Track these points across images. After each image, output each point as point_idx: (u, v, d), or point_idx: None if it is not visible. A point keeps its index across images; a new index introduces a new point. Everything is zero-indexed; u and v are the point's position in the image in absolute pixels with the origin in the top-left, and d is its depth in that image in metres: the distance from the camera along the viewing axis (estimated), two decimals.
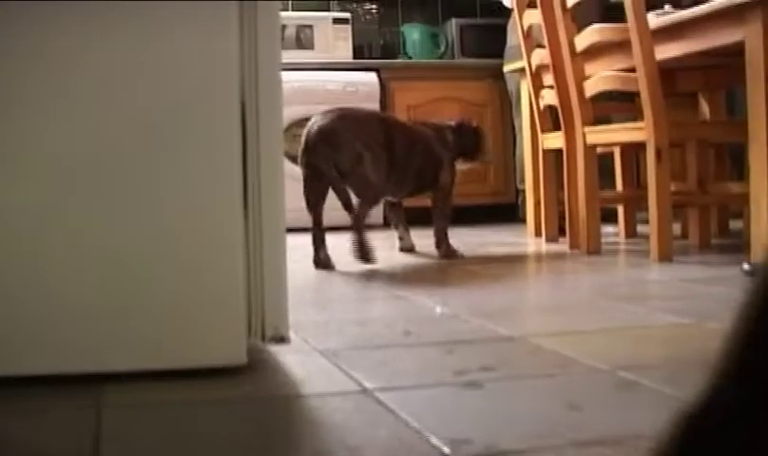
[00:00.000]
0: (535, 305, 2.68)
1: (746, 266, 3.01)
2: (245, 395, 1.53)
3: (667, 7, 3.84)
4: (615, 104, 4.63)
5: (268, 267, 1.65)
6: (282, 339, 1.67)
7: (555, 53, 4.06)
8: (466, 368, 1.71)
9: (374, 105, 5.84)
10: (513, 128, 5.94)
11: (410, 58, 6.44)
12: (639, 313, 2.33)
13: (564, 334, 2.05)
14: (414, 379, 1.64)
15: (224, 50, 1.63)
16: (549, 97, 4.31)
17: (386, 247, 4.32)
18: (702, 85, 4.26)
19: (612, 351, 1.85)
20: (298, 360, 1.76)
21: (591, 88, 3.81)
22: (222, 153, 1.62)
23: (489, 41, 6.21)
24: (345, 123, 3.50)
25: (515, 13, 4.61)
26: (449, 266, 3.51)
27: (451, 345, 1.95)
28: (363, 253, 3.43)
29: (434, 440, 1.24)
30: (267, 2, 1.67)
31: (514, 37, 5.35)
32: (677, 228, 4.27)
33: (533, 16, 4.27)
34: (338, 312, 2.47)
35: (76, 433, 1.32)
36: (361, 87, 5.84)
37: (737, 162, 4.63)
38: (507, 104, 6.00)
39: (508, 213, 6.08)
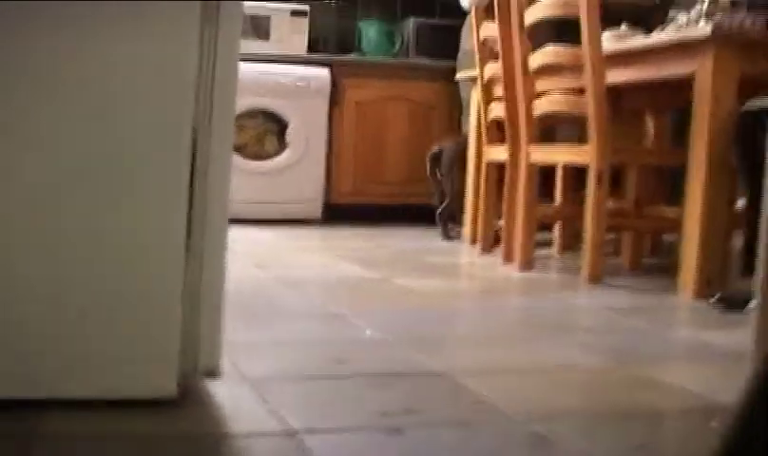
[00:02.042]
0: (463, 333, 2.75)
1: (715, 297, 3.07)
2: (174, 432, 1.58)
3: (623, 26, 3.93)
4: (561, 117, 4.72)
5: (205, 303, 1.70)
6: (214, 373, 1.72)
7: (507, 69, 4.14)
8: (390, 409, 1.78)
9: (324, 101, 5.89)
10: (461, 131, 6.02)
11: (364, 54, 6.48)
12: (561, 349, 2.42)
13: (486, 373, 2.13)
14: (340, 420, 1.70)
15: (181, 77, 1.66)
16: (497, 110, 4.39)
17: (323, 252, 4.38)
18: (648, 104, 4.36)
19: (529, 396, 1.93)
20: (227, 391, 1.81)
21: (539, 108, 3.90)
22: (169, 185, 1.65)
23: (445, 41, 6.25)
24: None
25: (471, 18, 4.68)
26: (382, 282, 3.56)
27: (378, 378, 2.02)
28: None
29: None
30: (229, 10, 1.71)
31: (469, 41, 5.43)
32: (610, 244, 4.39)
33: (490, 29, 4.34)
34: (268, 331, 2.52)
35: None
36: (312, 82, 5.87)
37: (675, 182, 4.75)
38: (456, 107, 6.08)
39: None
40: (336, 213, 5.98)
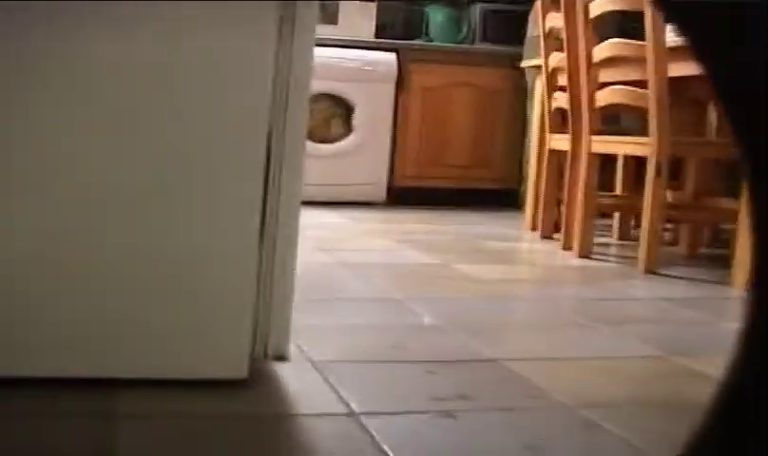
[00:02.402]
0: (519, 321, 2.85)
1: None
2: (245, 412, 1.71)
3: None
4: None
5: (277, 289, 1.83)
6: (283, 357, 1.85)
7: (572, 60, 4.21)
8: (444, 394, 1.89)
9: (390, 86, 6.00)
10: (525, 117, 6.10)
11: (431, 40, 6.56)
12: (613, 338, 2.51)
13: (538, 360, 2.23)
14: (397, 404, 1.82)
15: (258, 80, 1.78)
16: (561, 100, 4.46)
17: (386, 235, 4.50)
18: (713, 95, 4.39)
19: (579, 384, 2.03)
20: (293, 373, 1.94)
21: (602, 100, 3.97)
22: (246, 176, 1.77)
23: (511, 28, 6.33)
24: None
25: (538, 4, 4.75)
26: (442, 267, 3.67)
27: (433, 364, 2.13)
28: None
29: None
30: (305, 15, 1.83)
31: (536, 28, 5.49)
32: (668, 234, 4.45)
33: (556, 19, 4.41)
34: (331, 315, 2.64)
35: (92, 442, 1.51)
36: (379, 67, 5.98)
37: (734, 174, 4.78)
38: (521, 93, 6.15)
39: (510, 198, 6.25)
40: (400, 196, 6.10)
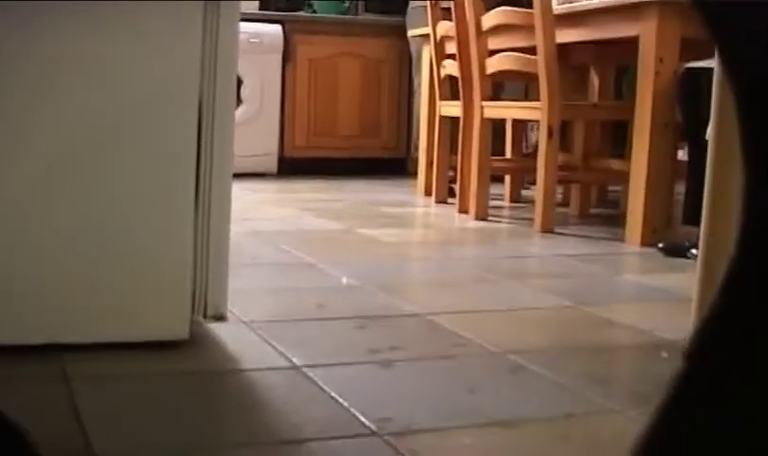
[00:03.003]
0: (431, 279, 2.94)
1: (661, 245, 3.31)
2: (191, 369, 1.75)
3: None
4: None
5: (213, 253, 1.87)
6: (222, 317, 1.90)
7: (461, 28, 4.31)
8: (377, 346, 1.97)
9: (277, 57, 6.02)
10: (410, 86, 6.21)
11: (314, 12, 6.60)
12: (523, 292, 2.63)
13: (458, 313, 2.32)
14: (335, 356, 1.89)
15: (188, 52, 1.82)
16: (451, 68, 4.57)
17: (286, 204, 4.54)
18: (594, 59, 4.57)
19: (501, 333, 2.13)
20: (229, 334, 1.99)
21: (492, 66, 4.08)
22: (180, 149, 1.81)
23: None
24: None
25: None
26: (346, 233, 3.75)
27: (361, 320, 2.20)
28: None
29: (363, 418, 1.50)
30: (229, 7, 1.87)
31: None
32: (559, 195, 4.62)
33: None
34: (253, 279, 2.69)
35: (53, 404, 1.54)
36: (265, 39, 5.99)
37: (618, 136, 4.99)
38: (406, 62, 6.26)
39: (399, 166, 6.36)
40: (291, 166, 6.14)
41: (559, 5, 3.89)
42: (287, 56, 6.12)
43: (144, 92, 1.79)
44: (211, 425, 1.49)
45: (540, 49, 3.70)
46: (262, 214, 4.18)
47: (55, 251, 1.76)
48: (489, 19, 4.05)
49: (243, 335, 2.01)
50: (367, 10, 6.60)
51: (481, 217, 4.13)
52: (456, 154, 4.49)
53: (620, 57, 4.41)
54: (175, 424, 1.49)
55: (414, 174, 5.36)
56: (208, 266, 1.87)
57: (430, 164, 5.00)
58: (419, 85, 5.51)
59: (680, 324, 2.14)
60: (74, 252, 1.77)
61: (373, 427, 1.47)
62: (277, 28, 6.06)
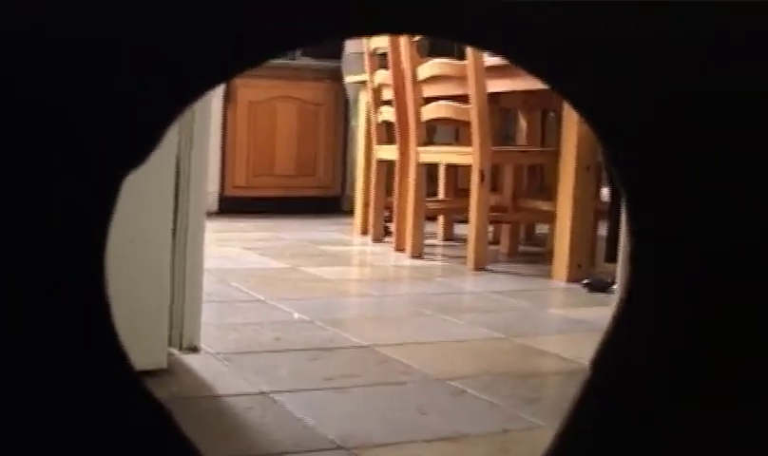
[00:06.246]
0: (375, 314, 3.19)
1: (585, 281, 3.60)
2: (170, 395, 1.97)
3: None
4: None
5: (189, 290, 2.09)
6: (196, 349, 2.11)
7: (397, 77, 4.59)
8: (332, 374, 2.21)
9: (218, 100, 6.24)
10: (346, 127, 6.49)
11: None
12: (458, 325, 2.89)
13: (401, 344, 2.57)
14: (296, 383, 2.12)
15: None
16: (387, 113, 4.83)
17: (229, 243, 4.76)
18: (522, 104, 4.88)
19: (441, 362, 2.38)
20: (201, 363, 2.20)
21: (427, 114, 4.36)
22: (160, 192, 2.03)
23: (331, 44, 6.68)
24: None
25: None
26: (291, 270, 3.97)
27: (314, 352, 2.44)
28: None
29: (329, 435, 1.73)
30: None
31: (353, 44, 5.88)
32: (490, 234, 4.91)
33: (380, 40, 4.78)
34: (213, 314, 2.90)
35: None
36: None
37: (544, 177, 5.31)
38: (341, 104, 6.53)
39: (333, 205, 6.63)
40: (232, 205, 6.35)
41: (490, 56, 4.18)
42: (228, 98, 6.34)
43: None
44: (196, 442, 1.71)
45: (472, 99, 3.99)
46: (209, 252, 4.35)
47: None
48: (425, 70, 4.33)
49: (213, 366, 2.22)
50: (304, 55, 6.86)
51: (417, 255, 4.39)
52: (391, 195, 4.76)
53: (546, 103, 4.73)
54: None
55: (349, 212, 5.62)
56: (184, 302, 2.09)
57: (366, 205, 5.25)
58: (357, 126, 5.78)
59: None
60: None
61: (338, 442, 1.70)
62: None
